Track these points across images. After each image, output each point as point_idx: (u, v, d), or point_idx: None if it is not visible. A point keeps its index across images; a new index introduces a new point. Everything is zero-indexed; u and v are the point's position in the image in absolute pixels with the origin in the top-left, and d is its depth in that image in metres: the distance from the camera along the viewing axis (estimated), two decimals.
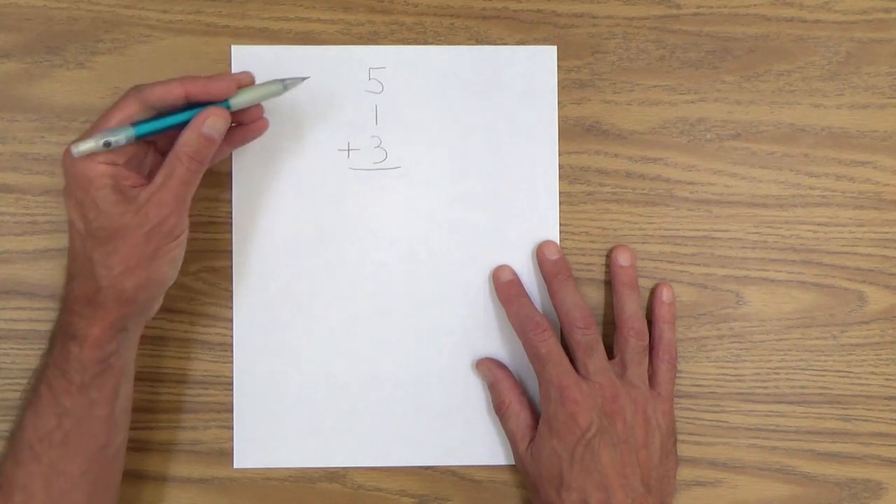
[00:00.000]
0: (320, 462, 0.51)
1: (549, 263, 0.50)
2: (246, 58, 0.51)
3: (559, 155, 0.52)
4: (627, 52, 0.52)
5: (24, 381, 0.49)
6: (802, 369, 0.52)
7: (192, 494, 0.51)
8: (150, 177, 0.44)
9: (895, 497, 0.52)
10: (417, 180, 0.51)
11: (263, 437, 0.51)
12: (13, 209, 0.51)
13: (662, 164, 0.52)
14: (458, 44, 0.52)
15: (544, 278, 0.50)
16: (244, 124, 0.48)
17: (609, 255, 0.51)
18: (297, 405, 0.51)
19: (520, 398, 0.49)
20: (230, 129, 0.45)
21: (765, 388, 0.52)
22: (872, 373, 0.52)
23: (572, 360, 0.48)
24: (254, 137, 0.48)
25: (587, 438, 0.46)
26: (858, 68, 0.52)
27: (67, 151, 0.42)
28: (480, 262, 0.51)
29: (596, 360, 0.48)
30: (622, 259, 0.51)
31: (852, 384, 0.52)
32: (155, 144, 0.46)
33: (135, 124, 0.43)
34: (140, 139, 0.43)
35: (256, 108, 0.47)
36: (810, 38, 0.52)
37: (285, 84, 0.46)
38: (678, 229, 0.52)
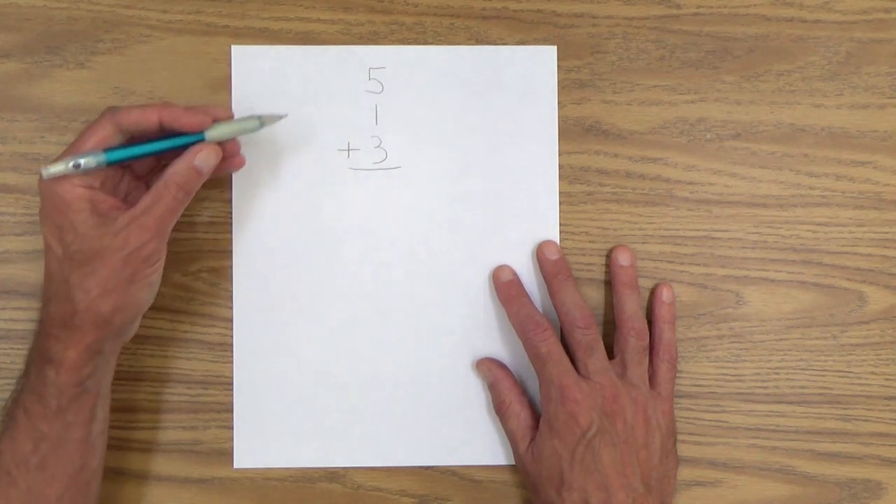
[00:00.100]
0: (320, 462, 0.51)
1: (549, 263, 0.50)
2: (246, 58, 0.51)
3: (559, 155, 0.52)
4: (627, 52, 0.52)
5: None
6: (802, 369, 0.52)
7: (192, 494, 0.51)
8: (126, 200, 0.45)
9: (895, 497, 0.52)
10: (417, 180, 0.51)
11: (263, 437, 0.51)
12: (13, 209, 0.51)
13: (662, 164, 0.52)
14: (458, 44, 0.52)
15: (544, 278, 0.50)
16: (222, 159, 0.46)
17: (609, 255, 0.51)
18: (297, 405, 0.51)
19: (520, 398, 0.49)
20: None
21: (765, 388, 0.52)
22: (872, 373, 0.52)
23: (572, 360, 0.48)
24: (228, 172, 0.48)
25: (588, 438, 0.46)
26: (858, 68, 0.52)
27: (41, 175, 0.42)
28: (480, 262, 0.51)
29: (596, 359, 0.48)
30: (622, 259, 0.51)
31: (852, 384, 0.52)
32: (131, 168, 0.46)
33: (107, 150, 0.43)
34: (113, 164, 0.43)
35: (233, 143, 0.46)
36: (810, 38, 0.52)
37: (262, 120, 0.46)
38: (678, 229, 0.52)
